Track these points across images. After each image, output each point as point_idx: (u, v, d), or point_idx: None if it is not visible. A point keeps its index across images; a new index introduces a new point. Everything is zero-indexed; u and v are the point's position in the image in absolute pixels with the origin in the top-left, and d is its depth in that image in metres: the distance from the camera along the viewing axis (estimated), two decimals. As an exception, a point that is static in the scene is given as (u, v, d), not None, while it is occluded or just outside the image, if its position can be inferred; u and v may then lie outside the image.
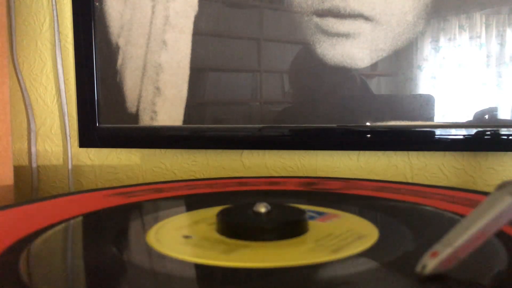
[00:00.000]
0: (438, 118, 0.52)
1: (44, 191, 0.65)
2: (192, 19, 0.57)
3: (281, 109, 0.56)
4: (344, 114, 0.54)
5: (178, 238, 0.29)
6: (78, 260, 0.27)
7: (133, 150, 0.63)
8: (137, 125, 0.59)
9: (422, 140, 0.53)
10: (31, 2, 0.63)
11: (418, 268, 0.21)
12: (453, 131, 0.52)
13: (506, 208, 0.20)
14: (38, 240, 0.29)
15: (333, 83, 0.55)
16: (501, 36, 0.51)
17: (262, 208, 0.30)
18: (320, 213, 0.34)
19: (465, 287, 0.21)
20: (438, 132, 0.52)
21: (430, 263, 0.21)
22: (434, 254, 0.21)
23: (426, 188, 0.44)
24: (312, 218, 0.33)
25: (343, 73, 0.54)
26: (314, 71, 0.55)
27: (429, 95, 0.52)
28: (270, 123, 0.56)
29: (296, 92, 0.56)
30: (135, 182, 0.62)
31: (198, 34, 0.57)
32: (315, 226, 0.31)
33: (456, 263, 0.21)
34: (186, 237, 0.29)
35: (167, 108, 0.58)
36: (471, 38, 0.51)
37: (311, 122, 0.55)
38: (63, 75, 0.62)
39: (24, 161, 0.65)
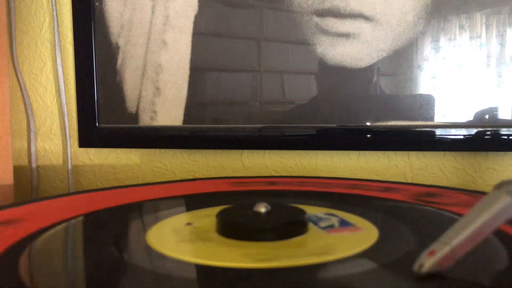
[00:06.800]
0: (438, 118, 0.52)
1: (44, 191, 0.65)
2: (192, 19, 0.57)
3: (281, 109, 0.56)
4: (344, 114, 0.54)
5: (178, 234, 0.29)
6: (78, 260, 0.27)
7: (133, 150, 0.63)
8: (137, 125, 0.59)
9: (422, 140, 0.53)
10: (31, 2, 0.63)
11: (415, 267, 0.21)
12: (453, 131, 0.52)
13: (504, 207, 0.20)
14: (38, 240, 0.29)
15: (333, 83, 0.55)
16: (501, 36, 0.51)
17: (262, 208, 0.30)
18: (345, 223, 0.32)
19: (465, 287, 0.21)
20: (438, 132, 0.52)
21: (427, 262, 0.21)
22: (432, 253, 0.21)
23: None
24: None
25: (343, 73, 0.54)
26: (314, 71, 0.55)
27: (429, 95, 0.52)
28: (270, 123, 0.56)
29: (296, 92, 0.56)
30: (135, 182, 0.62)
31: (198, 34, 0.57)
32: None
33: (454, 262, 0.21)
34: (188, 224, 0.30)
35: (167, 108, 0.58)
36: (471, 38, 0.51)
37: (311, 122, 0.55)
38: (63, 75, 0.62)
39: (24, 161, 0.65)
